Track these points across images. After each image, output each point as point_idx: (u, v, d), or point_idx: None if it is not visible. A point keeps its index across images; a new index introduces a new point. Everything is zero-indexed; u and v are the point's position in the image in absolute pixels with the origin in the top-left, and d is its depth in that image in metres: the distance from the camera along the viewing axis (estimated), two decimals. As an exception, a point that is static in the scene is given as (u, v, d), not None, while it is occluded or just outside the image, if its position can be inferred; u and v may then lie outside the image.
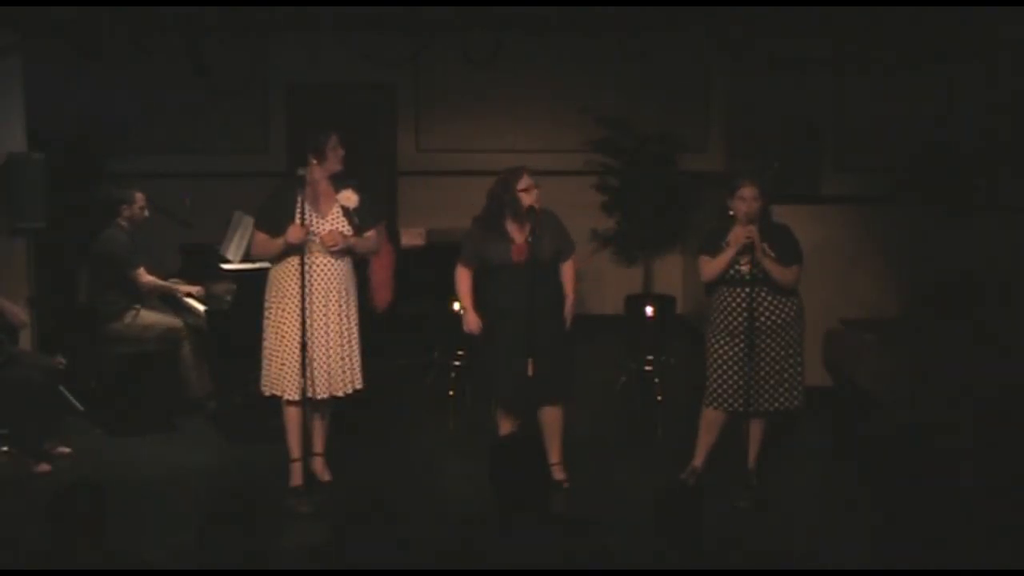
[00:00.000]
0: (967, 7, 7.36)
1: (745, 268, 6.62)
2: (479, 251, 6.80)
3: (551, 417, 6.90)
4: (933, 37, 8.09)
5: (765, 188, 6.69)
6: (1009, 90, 8.21)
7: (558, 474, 6.90)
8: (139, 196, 8.10)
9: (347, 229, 6.73)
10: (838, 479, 7.36)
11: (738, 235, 6.61)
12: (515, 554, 4.27)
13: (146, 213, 8.14)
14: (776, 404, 6.80)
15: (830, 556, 6.05)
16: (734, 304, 6.73)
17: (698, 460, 7.01)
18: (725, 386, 6.81)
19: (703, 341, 6.97)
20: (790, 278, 6.70)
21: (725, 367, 6.80)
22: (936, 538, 6.10)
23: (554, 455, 6.87)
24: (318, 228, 6.66)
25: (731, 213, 6.68)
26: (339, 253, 6.72)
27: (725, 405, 6.84)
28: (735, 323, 6.73)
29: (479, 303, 6.86)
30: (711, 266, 6.75)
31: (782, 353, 6.75)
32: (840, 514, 6.73)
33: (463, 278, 6.87)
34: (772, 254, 6.66)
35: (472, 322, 6.87)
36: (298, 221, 6.56)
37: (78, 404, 8.07)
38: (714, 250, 6.73)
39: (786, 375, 6.78)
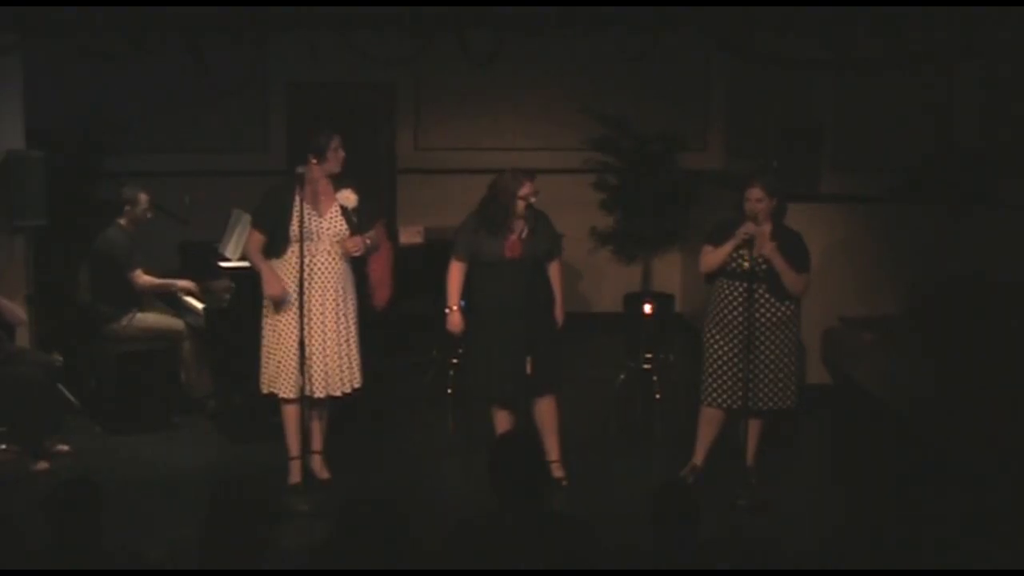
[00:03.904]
0: (967, 7, 7.35)
1: (747, 264, 6.64)
2: (472, 246, 6.82)
3: (547, 413, 6.92)
4: (933, 36, 8.08)
5: (773, 190, 6.71)
6: (1009, 89, 8.21)
7: (557, 472, 6.91)
8: (143, 197, 8.09)
9: (345, 229, 6.74)
10: (837, 477, 7.37)
11: (744, 228, 6.66)
12: (515, 553, 4.27)
13: (149, 214, 8.14)
14: (770, 403, 6.81)
15: (830, 555, 6.06)
16: (731, 297, 6.75)
17: (698, 458, 7.02)
18: (720, 383, 6.83)
19: (701, 336, 7.00)
20: (800, 285, 6.70)
21: (720, 363, 6.83)
22: (936, 536, 6.10)
23: (552, 452, 6.89)
24: (316, 227, 6.68)
25: None
26: (340, 251, 6.73)
27: (720, 402, 6.86)
28: (730, 317, 6.75)
29: (470, 299, 6.89)
30: (711, 256, 6.80)
31: (777, 352, 6.76)
32: (839, 512, 6.73)
33: (455, 273, 6.89)
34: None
35: (455, 323, 6.89)
36: (279, 280, 6.63)
37: (76, 402, 8.07)
38: (718, 241, 6.77)
39: (781, 374, 6.80)
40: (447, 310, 6.91)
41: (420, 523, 4.50)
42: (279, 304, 6.68)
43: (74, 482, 4.49)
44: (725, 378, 6.81)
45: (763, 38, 9.37)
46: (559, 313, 6.96)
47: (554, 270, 6.96)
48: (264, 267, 6.72)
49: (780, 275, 6.64)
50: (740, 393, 6.72)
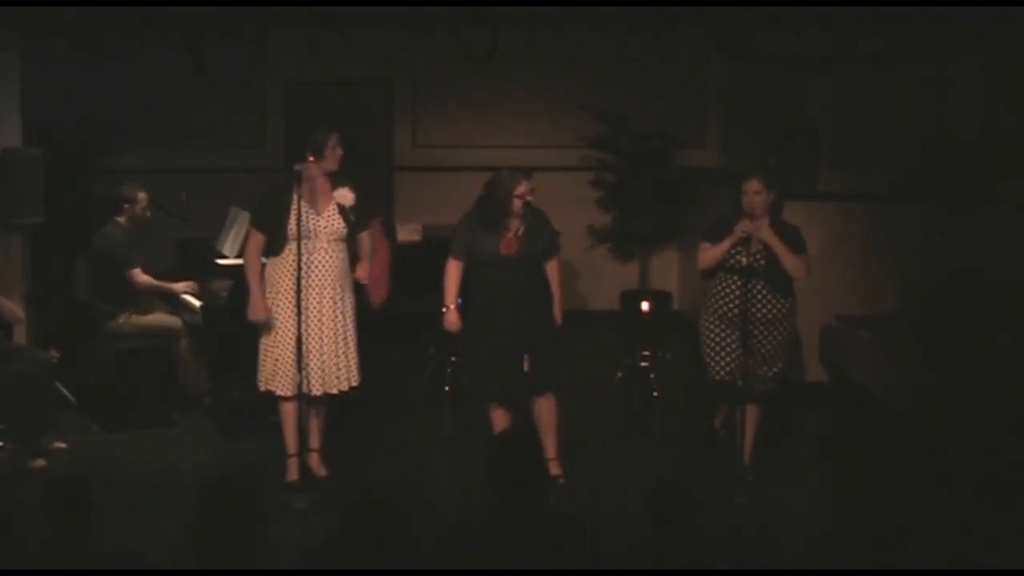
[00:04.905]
0: (967, 6, 7.36)
1: (744, 260, 6.65)
2: (469, 244, 6.82)
3: (545, 411, 6.91)
4: (932, 33, 8.08)
5: (772, 183, 6.74)
6: (1009, 89, 8.21)
7: (554, 470, 6.90)
8: (143, 196, 8.08)
9: (342, 227, 6.75)
10: (834, 474, 7.37)
11: (741, 227, 6.67)
12: (513, 552, 4.27)
13: (148, 213, 8.13)
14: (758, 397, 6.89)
15: (828, 553, 6.05)
16: (729, 291, 6.79)
17: (722, 413, 7.27)
18: (721, 361, 6.87)
19: (697, 327, 7.04)
20: (801, 267, 6.71)
21: (717, 347, 6.87)
22: (934, 535, 6.10)
23: (550, 451, 6.88)
24: (314, 225, 6.68)
25: None
26: (337, 247, 6.74)
27: (724, 375, 6.89)
28: (728, 309, 6.79)
29: (468, 297, 6.89)
30: (709, 254, 6.84)
31: (770, 348, 6.79)
32: (837, 510, 6.73)
33: (452, 272, 6.89)
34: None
35: (453, 321, 6.89)
36: (265, 305, 6.70)
37: (74, 399, 8.06)
38: (716, 237, 6.80)
39: (774, 370, 6.88)
40: (444, 308, 6.91)
41: (418, 521, 4.52)
42: (264, 325, 6.72)
43: (62, 481, 4.49)
44: (724, 355, 6.85)
45: (762, 38, 9.37)
46: (557, 311, 6.96)
47: (552, 268, 6.96)
48: (255, 287, 6.72)
49: (780, 258, 6.66)
50: (739, 371, 6.74)
